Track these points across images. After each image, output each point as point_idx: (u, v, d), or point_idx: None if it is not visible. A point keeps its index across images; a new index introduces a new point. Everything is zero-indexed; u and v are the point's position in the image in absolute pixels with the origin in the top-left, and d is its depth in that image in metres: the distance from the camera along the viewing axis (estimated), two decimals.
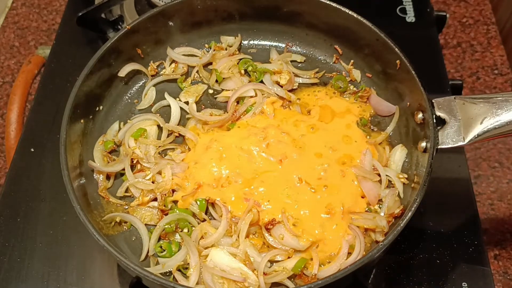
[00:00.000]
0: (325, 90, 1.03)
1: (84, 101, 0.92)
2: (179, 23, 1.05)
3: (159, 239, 0.86)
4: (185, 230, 0.86)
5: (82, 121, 0.93)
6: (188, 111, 1.00)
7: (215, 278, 0.79)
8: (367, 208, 0.87)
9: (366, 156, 0.91)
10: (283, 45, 1.10)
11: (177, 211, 0.87)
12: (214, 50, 1.06)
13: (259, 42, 1.11)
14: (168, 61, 1.07)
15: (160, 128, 0.98)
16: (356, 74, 1.04)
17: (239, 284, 0.78)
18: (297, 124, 0.95)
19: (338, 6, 0.98)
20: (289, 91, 1.02)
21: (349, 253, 0.82)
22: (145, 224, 0.87)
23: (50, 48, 1.21)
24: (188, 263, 0.81)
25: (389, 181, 0.90)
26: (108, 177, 0.93)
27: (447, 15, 1.24)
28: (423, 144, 0.85)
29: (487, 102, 0.81)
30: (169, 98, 1.02)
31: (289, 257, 0.83)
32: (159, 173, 0.91)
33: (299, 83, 1.04)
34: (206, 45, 1.10)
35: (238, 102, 1.01)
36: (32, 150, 1.05)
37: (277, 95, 1.01)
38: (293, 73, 1.04)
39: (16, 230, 0.95)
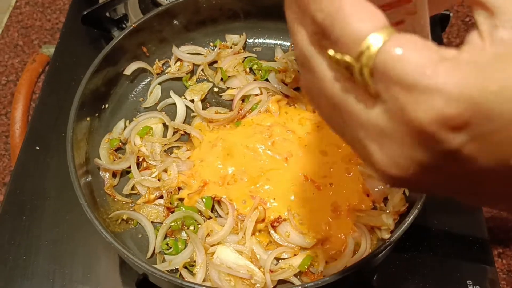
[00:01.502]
0: None
1: (90, 99, 0.92)
2: (184, 21, 1.05)
3: (165, 236, 0.87)
4: (191, 227, 0.86)
5: (88, 119, 0.93)
6: (193, 109, 1.00)
7: (222, 275, 0.79)
8: (372, 206, 0.88)
9: None
10: (288, 44, 1.10)
11: (183, 209, 0.87)
12: (219, 48, 1.07)
13: (264, 41, 1.11)
14: (173, 60, 1.07)
15: (165, 126, 0.98)
16: None
17: (245, 281, 0.78)
18: (302, 122, 0.95)
19: None
20: (295, 89, 1.02)
21: (355, 251, 0.83)
22: (151, 222, 0.88)
23: (54, 47, 1.21)
24: (195, 261, 0.81)
25: None
26: (114, 175, 0.93)
27: (451, 14, 1.24)
28: None
29: None
30: (174, 96, 1.02)
31: (295, 255, 0.83)
32: (165, 171, 0.91)
33: None
34: (211, 44, 1.10)
35: (243, 101, 1.01)
36: (37, 148, 1.05)
37: (282, 93, 1.01)
38: (298, 71, 1.04)
39: (21, 228, 0.95)
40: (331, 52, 0.36)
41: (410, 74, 0.32)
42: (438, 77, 0.31)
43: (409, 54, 0.32)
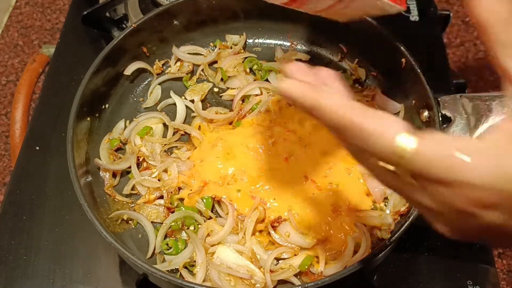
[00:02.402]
0: None
1: (90, 99, 0.92)
2: (184, 21, 1.05)
3: (165, 236, 0.87)
4: (191, 227, 0.86)
5: (88, 119, 0.93)
6: (193, 109, 1.00)
7: (222, 275, 0.79)
8: (372, 206, 0.88)
9: None
10: (288, 44, 1.10)
11: (183, 209, 0.87)
12: (219, 48, 1.07)
13: (264, 41, 1.11)
14: (173, 60, 1.07)
15: (165, 126, 0.99)
16: (361, 72, 1.04)
17: (245, 281, 0.78)
18: (302, 122, 0.95)
19: None
20: None
21: (355, 251, 0.83)
22: (152, 222, 0.88)
23: (54, 47, 1.21)
24: (195, 261, 0.81)
25: None
26: (114, 175, 0.93)
27: (451, 14, 1.24)
28: None
29: (493, 100, 0.81)
30: (174, 96, 1.02)
31: (295, 255, 0.83)
32: (165, 171, 0.92)
33: None
34: (211, 44, 1.10)
35: (243, 101, 1.01)
36: (37, 148, 1.05)
37: None
38: None
39: (21, 228, 0.95)
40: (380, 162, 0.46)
41: (442, 173, 0.42)
42: (464, 172, 0.41)
43: (437, 156, 0.42)
